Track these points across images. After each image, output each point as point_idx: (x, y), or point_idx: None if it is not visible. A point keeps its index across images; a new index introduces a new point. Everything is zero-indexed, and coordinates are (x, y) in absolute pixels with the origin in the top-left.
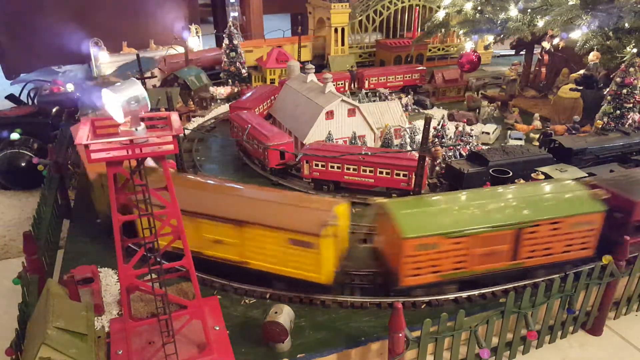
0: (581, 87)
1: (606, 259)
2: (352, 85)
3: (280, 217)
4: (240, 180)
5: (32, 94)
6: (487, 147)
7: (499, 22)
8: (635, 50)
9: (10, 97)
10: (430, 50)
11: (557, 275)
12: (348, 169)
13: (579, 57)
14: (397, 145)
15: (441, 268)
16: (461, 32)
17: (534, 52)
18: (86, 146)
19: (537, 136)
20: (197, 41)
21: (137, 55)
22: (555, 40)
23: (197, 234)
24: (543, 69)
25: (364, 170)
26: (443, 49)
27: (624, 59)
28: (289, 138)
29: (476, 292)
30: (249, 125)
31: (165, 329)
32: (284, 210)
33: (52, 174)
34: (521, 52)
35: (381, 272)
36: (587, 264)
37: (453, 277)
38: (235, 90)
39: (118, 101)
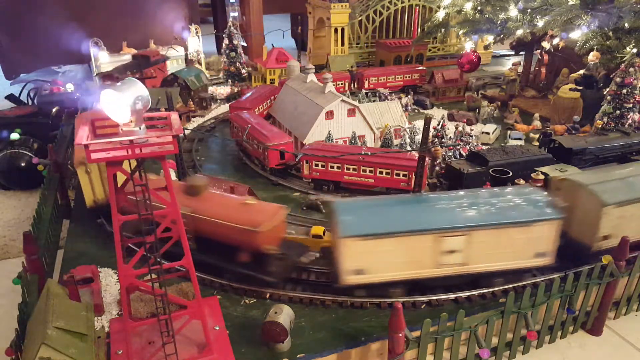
0: (581, 87)
1: (606, 258)
2: (352, 85)
3: None
4: (239, 181)
5: (32, 94)
6: (487, 147)
7: (499, 22)
8: (635, 50)
9: (10, 97)
10: (430, 50)
11: (557, 275)
12: (348, 169)
13: (579, 57)
14: (397, 145)
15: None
16: (461, 32)
17: (535, 51)
18: (86, 146)
19: (537, 136)
20: (197, 41)
21: (137, 55)
22: (555, 40)
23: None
24: (543, 69)
25: (364, 170)
26: (443, 49)
27: (624, 59)
28: (288, 138)
29: (476, 292)
30: (249, 125)
31: (165, 329)
32: None
33: (52, 174)
34: (521, 52)
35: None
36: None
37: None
38: (235, 90)
39: (121, 101)
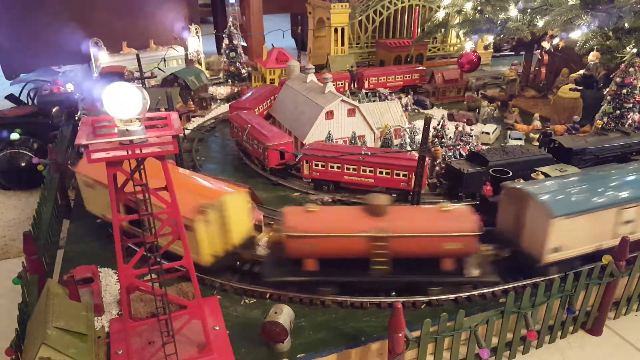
0: (581, 87)
1: (606, 259)
2: (352, 85)
3: None
4: (239, 181)
5: (32, 94)
6: (487, 147)
7: (499, 22)
8: (635, 50)
9: (10, 97)
10: (430, 50)
11: (557, 275)
12: (348, 169)
13: (579, 57)
14: (397, 145)
15: None
16: (461, 32)
17: (535, 51)
18: (86, 146)
19: (537, 136)
20: (197, 41)
21: (137, 55)
22: (555, 40)
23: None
24: (543, 69)
25: (364, 170)
26: (442, 48)
27: (624, 59)
28: (289, 138)
29: (476, 292)
30: (249, 125)
31: (165, 329)
32: None
33: (52, 174)
34: (521, 52)
35: None
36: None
37: None
38: (235, 90)
39: (120, 99)
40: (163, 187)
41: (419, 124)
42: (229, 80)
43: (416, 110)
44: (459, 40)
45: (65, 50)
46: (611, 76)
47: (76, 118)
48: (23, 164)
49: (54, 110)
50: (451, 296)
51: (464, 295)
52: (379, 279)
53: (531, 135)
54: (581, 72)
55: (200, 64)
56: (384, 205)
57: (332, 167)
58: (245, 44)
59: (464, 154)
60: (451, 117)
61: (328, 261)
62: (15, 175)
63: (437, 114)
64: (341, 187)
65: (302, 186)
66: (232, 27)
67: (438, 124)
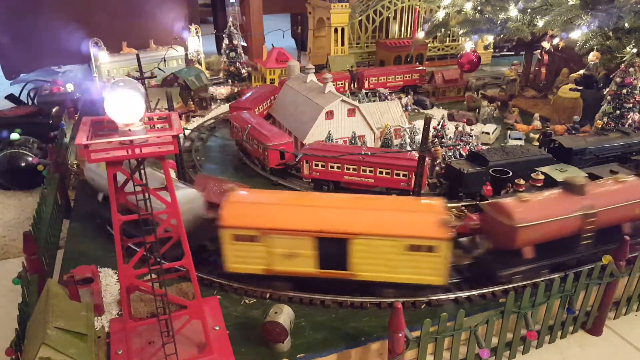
0: (581, 87)
1: (606, 259)
2: (352, 85)
3: None
4: (239, 181)
5: (32, 94)
6: (487, 147)
7: (499, 22)
8: (635, 50)
9: (10, 97)
10: (430, 50)
11: (557, 275)
12: (348, 169)
13: (579, 57)
14: (397, 145)
15: None
16: (461, 32)
17: (534, 51)
18: (86, 146)
19: (537, 136)
20: (197, 41)
21: (137, 55)
22: (555, 40)
23: None
24: (543, 69)
25: (364, 170)
26: (442, 48)
27: (624, 59)
28: (289, 138)
29: (476, 292)
30: (249, 125)
31: (165, 329)
32: None
33: (52, 174)
34: (521, 52)
35: None
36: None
37: None
38: (235, 90)
39: (119, 101)
40: (163, 187)
41: (419, 124)
42: (229, 80)
43: (416, 110)
44: (459, 41)
45: (65, 50)
46: (611, 76)
47: (76, 118)
48: (23, 164)
49: (54, 110)
50: (451, 296)
51: (464, 295)
52: (587, 252)
53: (531, 135)
54: (581, 72)
55: (200, 64)
56: (583, 184)
57: (332, 167)
58: (245, 44)
59: (464, 154)
60: (451, 117)
61: (539, 246)
62: (15, 175)
63: (437, 114)
64: (341, 187)
65: (302, 186)
66: (232, 27)
67: (438, 124)
